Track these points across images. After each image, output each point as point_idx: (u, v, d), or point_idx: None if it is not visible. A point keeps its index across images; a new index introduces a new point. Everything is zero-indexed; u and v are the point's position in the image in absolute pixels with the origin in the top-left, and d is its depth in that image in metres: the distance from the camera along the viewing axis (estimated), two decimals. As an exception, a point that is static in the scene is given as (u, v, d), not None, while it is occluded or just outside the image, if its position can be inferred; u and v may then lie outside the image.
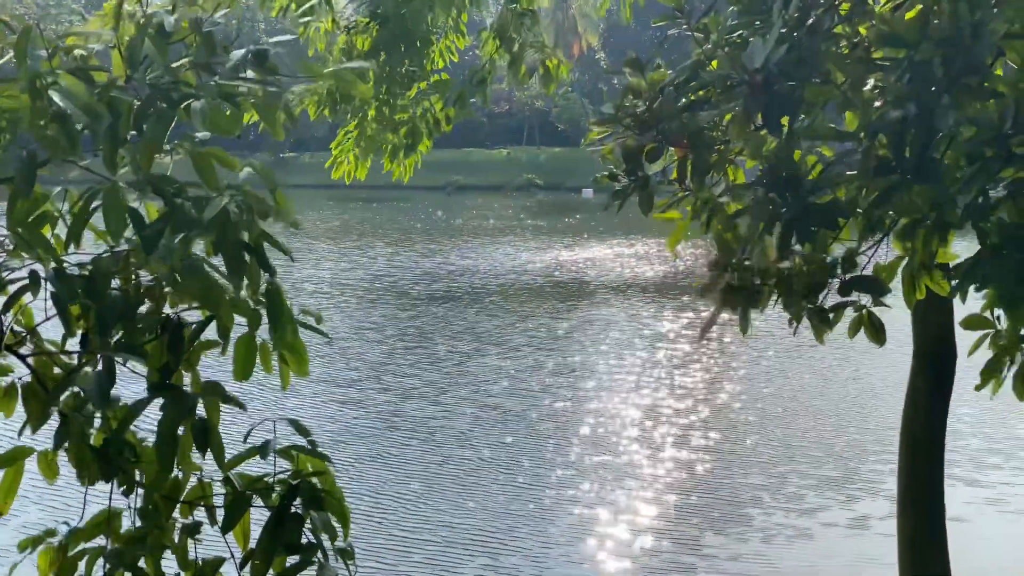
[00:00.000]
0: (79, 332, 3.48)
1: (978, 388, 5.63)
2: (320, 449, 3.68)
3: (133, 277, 3.51)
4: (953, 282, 4.79)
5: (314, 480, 3.55)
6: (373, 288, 34.75)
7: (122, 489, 3.58)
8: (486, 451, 17.29)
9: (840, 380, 22.11)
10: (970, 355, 5.79)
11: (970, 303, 4.95)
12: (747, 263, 5.27)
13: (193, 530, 3.61)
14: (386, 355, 24.46)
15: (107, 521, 3.65)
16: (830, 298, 5.32)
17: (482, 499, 15.16)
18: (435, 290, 34.52)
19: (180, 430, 3.44)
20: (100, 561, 3.64)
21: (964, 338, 6.20)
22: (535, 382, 21.97)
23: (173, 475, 3.57)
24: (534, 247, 47.81)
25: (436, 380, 22.05)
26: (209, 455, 3.55)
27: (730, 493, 15.38)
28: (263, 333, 3.62)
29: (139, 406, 3.48)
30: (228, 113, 3.40)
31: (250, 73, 3.43)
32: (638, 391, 21.32)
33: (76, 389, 3.49)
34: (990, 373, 5.57)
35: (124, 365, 3.46)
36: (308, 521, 3.53)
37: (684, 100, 5.31)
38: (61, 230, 3.50)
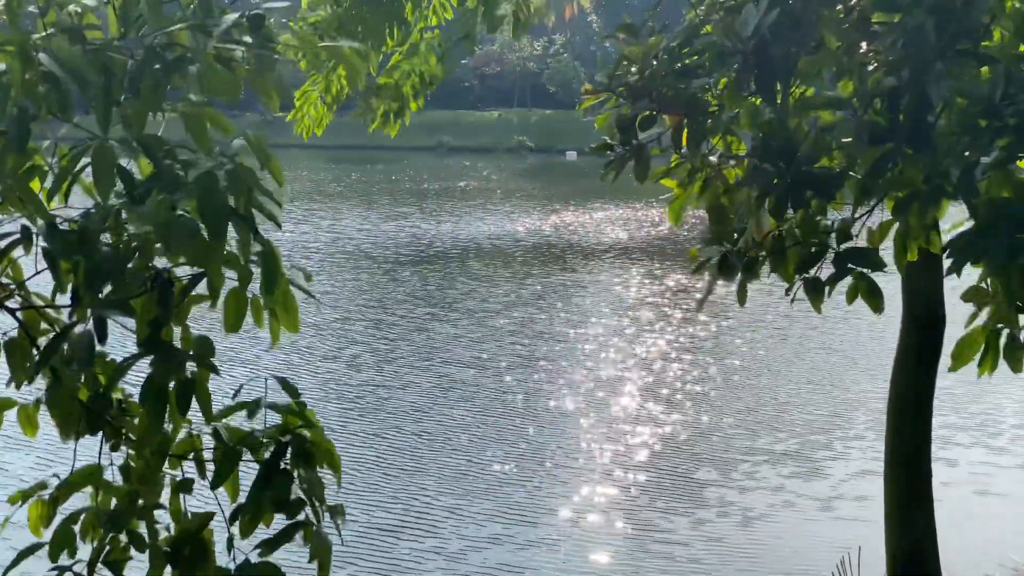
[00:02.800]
0: (69, 288, 3.47)
1: (952, 369, 5.59)
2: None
3: (123, 233, 3.50)
4: (948, 259, 4.80)
5: (304, 432, 3.56)
6: (331, 252, 34.25)
7: (110, 443, 3.58)
8: (433, 421, 17.11)
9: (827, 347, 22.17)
10: (967, 327, 5.77)
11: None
12: (739, 236, 5.28)
13: (185, 486, 3.62)
14: (341, 320, 24.06)
15: (92, 475, 3.66)
16: (825, 268, 5.33)
17: (432, 469, 15.04)
18: (394, 255, 34.16)
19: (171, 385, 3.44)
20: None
21: (954, 307, 6.19)
22: (488, 349, 21.79)
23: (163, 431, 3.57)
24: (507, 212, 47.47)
25: (383, 345, 21.91)
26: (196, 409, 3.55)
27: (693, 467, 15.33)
28: (253, 288, 3.64)
29: (128, 363, 3.48)
30: (224, 78, 3.39)
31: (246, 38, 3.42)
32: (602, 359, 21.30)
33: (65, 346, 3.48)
34: (965, 354, 5.51)
35: (114, 321, 3.46)
36: (296, 478, 3.54)
37: (678, 66, 5.30)
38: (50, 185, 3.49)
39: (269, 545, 3.55)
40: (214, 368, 3.54)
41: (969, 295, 5.53)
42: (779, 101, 4.83)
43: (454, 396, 18.41)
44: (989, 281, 5.33)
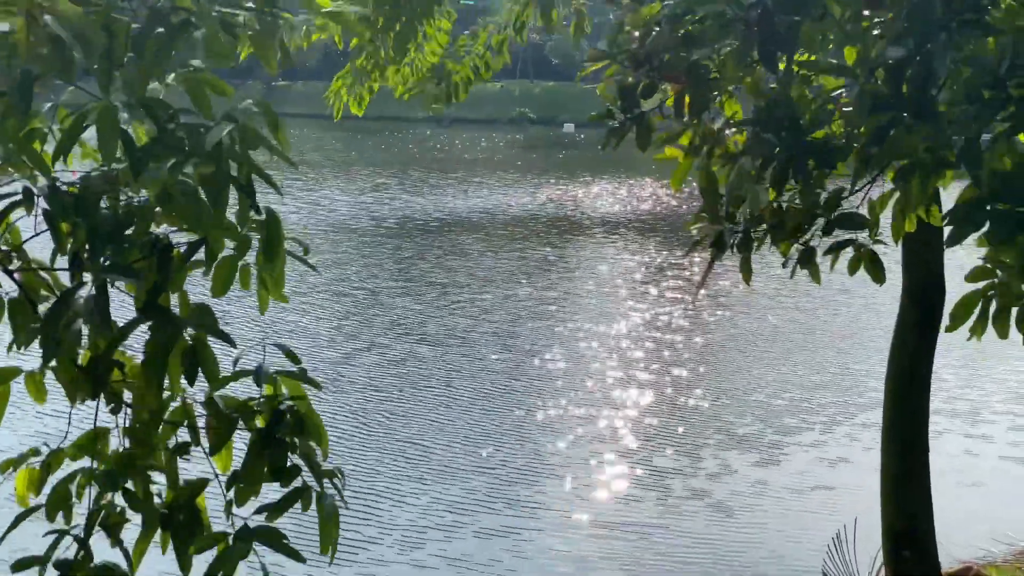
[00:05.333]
0: (68, 251, 3.46)
1: (949, 330, 5.56)
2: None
3: (121, 197, 3.49)
4: (948, 227, 4.79)
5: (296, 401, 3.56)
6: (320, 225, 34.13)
7: (110, 407, 3.58)
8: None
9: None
10: (968, 280, 5.70)
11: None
12: (736, 211, 5.27)
13: (182, 450, 3.62)
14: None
15: (93, 442, 3.65)
16: (827, 240, 5.32)
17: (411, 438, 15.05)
18: (372, 227, 34.03)
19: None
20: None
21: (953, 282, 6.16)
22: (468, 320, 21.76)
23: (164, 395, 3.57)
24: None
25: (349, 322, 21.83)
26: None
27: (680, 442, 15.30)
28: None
29: (128, 327, 3.48)
30: (225, 42, 3.37)
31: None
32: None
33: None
34: (962, 314, 5.48)
35: (113, 286, 3.45)
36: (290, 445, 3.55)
37: (680, 32, 5.27)
38: (50, 148, 3.47)
39: (274, 511, 3.56)
40: (228, 338, 3.54)
41: (976, 276, 5.49)
42: (782, 70, 4.81)
43: (417, 371, 18.30)
44: (986, 253, 5.33)
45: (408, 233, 33.29)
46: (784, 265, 5.36)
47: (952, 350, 17.35)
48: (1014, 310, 5.30)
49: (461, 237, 33.11)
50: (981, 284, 5.30)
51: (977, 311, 5.38)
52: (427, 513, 12.47)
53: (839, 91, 5.09)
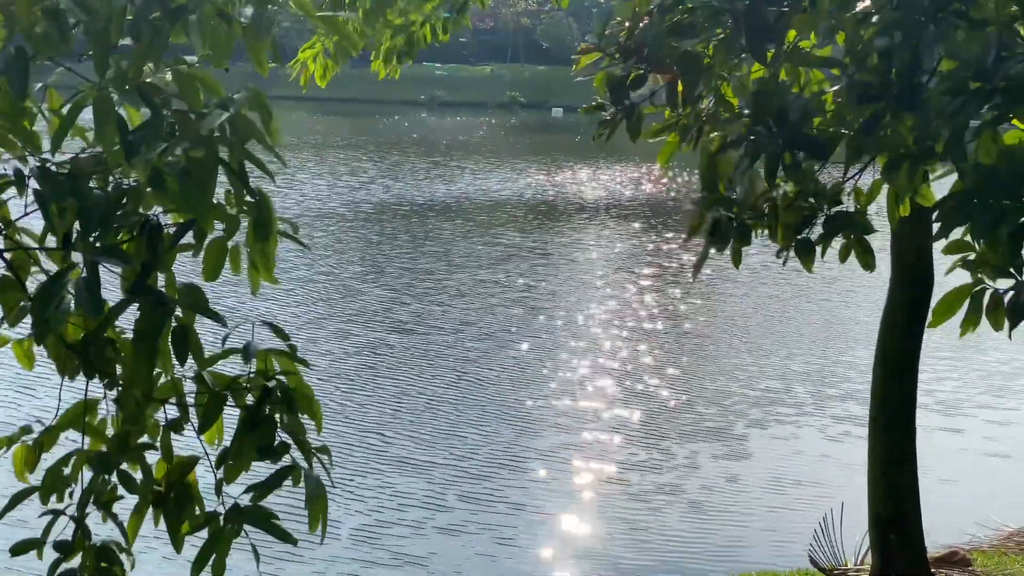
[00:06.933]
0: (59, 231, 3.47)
1: (931, 325, 5.56)
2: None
3: (110, 178, 3.51)
4: (936, 223, 4.81)
5: (285, 378, 3.57)
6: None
7: (104, 382, 3.59)
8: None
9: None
10: (947, 274, 5.73)
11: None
12: (733, 198, 5.29)
13: (176, 426, 3.63)
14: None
15: (82, 415, 3.67)
16: (817, 229, 5.36)
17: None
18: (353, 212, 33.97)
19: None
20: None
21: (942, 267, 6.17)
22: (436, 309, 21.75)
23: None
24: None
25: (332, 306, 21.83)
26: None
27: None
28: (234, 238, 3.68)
29: (119, 308, 3.49)
30: (223, 34, 3.38)
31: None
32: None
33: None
34: (946, 311, 5.49)
35: (102, 266, 3.46)
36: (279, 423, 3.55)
37: (670, 20, 5.29)
38: (38, 128, 3.49)
39: (261, 489, 3.56)
40: (219, 317, 3.55)
41: (951, 248, 5.52)
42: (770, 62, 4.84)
43: (396, 353, 18.36)
44: (971, 237, 5.34)
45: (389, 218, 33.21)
46: (778, 255, 5.39)
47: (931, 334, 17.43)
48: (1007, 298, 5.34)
49: (434, 222, 33.07)
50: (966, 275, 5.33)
51: (967, 305, 5.38)
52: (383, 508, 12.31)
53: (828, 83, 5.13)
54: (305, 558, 10.73)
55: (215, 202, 3.41)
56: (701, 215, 5.31)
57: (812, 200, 5.16)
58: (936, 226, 4.71)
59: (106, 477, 3.62)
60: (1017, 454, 14.59)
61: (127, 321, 3.51)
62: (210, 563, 3.52)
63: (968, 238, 5.13)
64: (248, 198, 3.45)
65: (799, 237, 5.26)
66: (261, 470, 3.62)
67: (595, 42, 5.42)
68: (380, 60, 10.74)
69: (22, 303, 3.53)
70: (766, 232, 5.39)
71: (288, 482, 3.56)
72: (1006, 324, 4.89)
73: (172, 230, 3.54)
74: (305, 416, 3.62)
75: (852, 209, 5.46)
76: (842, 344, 19.47)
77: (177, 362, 3.55)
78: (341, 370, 17.32)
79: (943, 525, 11.30)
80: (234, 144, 3.31)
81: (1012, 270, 4.67)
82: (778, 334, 20.40)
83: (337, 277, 24.46)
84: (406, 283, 23.94)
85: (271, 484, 3.55)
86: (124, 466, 3.63)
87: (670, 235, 30.94)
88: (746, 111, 5.05)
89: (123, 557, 3.69)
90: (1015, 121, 4.84)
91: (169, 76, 3.40)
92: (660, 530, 12.06)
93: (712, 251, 5.35)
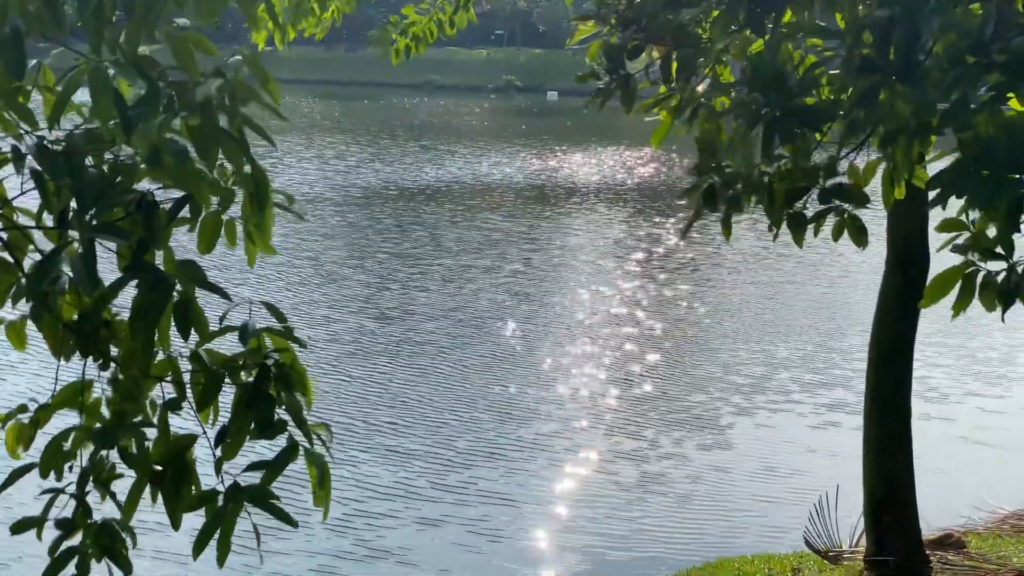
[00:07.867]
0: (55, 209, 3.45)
1: (922, 306, 5.53)
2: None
3: (105, 155, 3.49)
4: (933, 192, 4.80)
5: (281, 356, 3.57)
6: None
7: (98, 363, 3.58)
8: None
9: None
10: (939, 251, 5.69)
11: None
12: (728, 168, 5.27)
13: (174, 404, 3.62)
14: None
15: (77, 394, 3.66)
16: (810, 205, 5.34)
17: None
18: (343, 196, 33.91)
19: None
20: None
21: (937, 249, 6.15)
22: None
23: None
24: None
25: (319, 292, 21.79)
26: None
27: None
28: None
29: (117, 285, 3.47)
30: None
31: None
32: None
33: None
34: (937, 292, 5.46)
35: (99, 244, 3.45)
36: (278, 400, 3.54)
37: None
38: (32, 105, 3.47)
39: (268, 468, 3.52)
40: (220, 290, 3.54)
41: (945, 226, 5.49)
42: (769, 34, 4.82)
43: (381, 339, 18.34)
44: (968, 215, 5.31)
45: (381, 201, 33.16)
46: (770, 228, 5.37)
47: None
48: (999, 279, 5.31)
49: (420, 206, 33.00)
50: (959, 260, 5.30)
51: (959, 286, 5.36)
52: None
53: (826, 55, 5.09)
54: (285, 549, 10.57)
55: (212, 177, 3.41)
56: (697, 180, 5.28)
57: (807, 174, 5.13)
58: (933, 194, 4.68)
59: (104, 454, 3.62)
60: (1010, 440, 14.57)
61: (122, 303, 3.50)
62: (214, 540, 3.50)
63: (964, 217, 5.12)
64: (248, 168, 3.43)
65: (791, 211, 5.24)
66: (255, 447, 3.61)
67: (593, 9, 5.39)
68: (392, 55, 10.77)
69: (17, 284, 3.51)
70: (760, 207, 5.36)
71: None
72: (998, 307, 4.86)
73: (167, 206, 3.53)
74: (297, 394, 3.61)
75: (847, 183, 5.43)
76: (836, 330, 19.43)
77: (180, 338, 3.54)
78: (324, 356, 17.25)
79: (938, 508, 11.32)
80: (234, 109, 3.29)
81: (1003, 251, 4.65)
82: (768, 321, 20.35)
83: (320, 262, 24.41)
84: (391, 269, 23.88)
85: (278, 464, 3.51)
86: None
87: (658, 219, 30.90)
88: (743, 80, 5.02)
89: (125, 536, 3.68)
90: (1013, 103, 4.83)
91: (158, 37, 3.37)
92: (647, 519, 11.97)
93: (703, 237, 5.34)
